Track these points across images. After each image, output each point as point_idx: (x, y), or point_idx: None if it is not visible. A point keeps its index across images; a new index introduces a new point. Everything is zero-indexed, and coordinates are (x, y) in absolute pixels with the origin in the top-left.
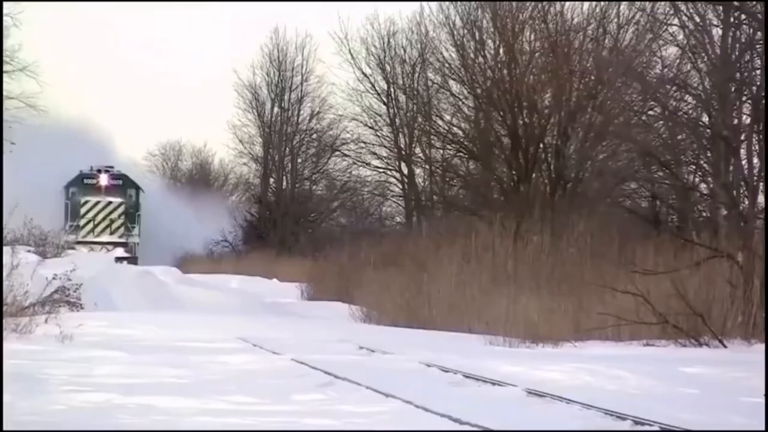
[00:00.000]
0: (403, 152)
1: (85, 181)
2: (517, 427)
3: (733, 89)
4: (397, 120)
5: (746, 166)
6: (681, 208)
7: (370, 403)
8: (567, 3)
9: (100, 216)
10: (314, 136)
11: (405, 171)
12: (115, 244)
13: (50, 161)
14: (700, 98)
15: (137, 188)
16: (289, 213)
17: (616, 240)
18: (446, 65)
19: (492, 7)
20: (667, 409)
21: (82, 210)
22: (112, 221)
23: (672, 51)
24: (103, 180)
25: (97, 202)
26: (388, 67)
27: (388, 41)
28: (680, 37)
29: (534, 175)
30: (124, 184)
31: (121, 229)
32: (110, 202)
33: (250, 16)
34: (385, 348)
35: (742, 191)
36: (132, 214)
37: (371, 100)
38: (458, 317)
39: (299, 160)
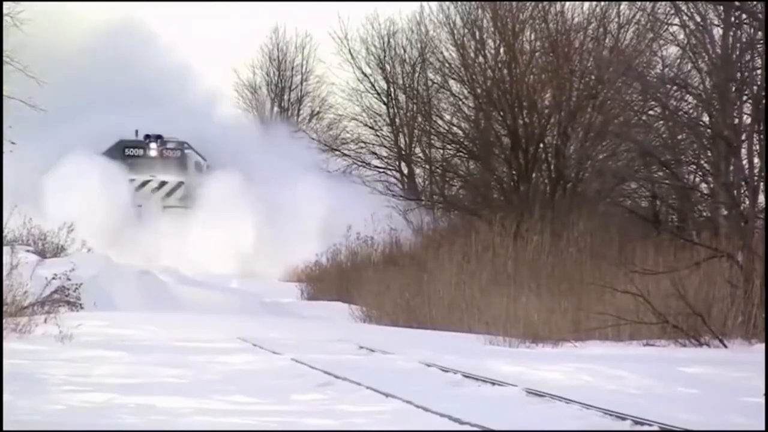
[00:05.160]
0: (403, 152)
1: (128, 152)
2: (517, 427)
3: (733, 89)
4: (397, 120)
5: (747, 166)
6: (681, 208)
7: (369, 403)
8: (567, 3)
9: (150, 202)
10: (314, 136)
11: (405, 171)
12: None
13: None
14: (701, 98)
15: (203, 162)
16: None
17: (616, 240)
18: (446, 65)
19: (492, 6)
20: (667, 409)
21: None
22: (167, 209)
23: (672, 51)
24: (154, 151)
25: (146, 183)
26: (388, 67)
27: (388, 41)
28: (681, 36)
29: (534, 175)
30: (183, 156)
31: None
32: (164, 183)
33: (250, 16)
34: (385, 348)
35: (742, 191)
36: (195, 199)
37: (371, 100)
38: (458, 317)
39: None
